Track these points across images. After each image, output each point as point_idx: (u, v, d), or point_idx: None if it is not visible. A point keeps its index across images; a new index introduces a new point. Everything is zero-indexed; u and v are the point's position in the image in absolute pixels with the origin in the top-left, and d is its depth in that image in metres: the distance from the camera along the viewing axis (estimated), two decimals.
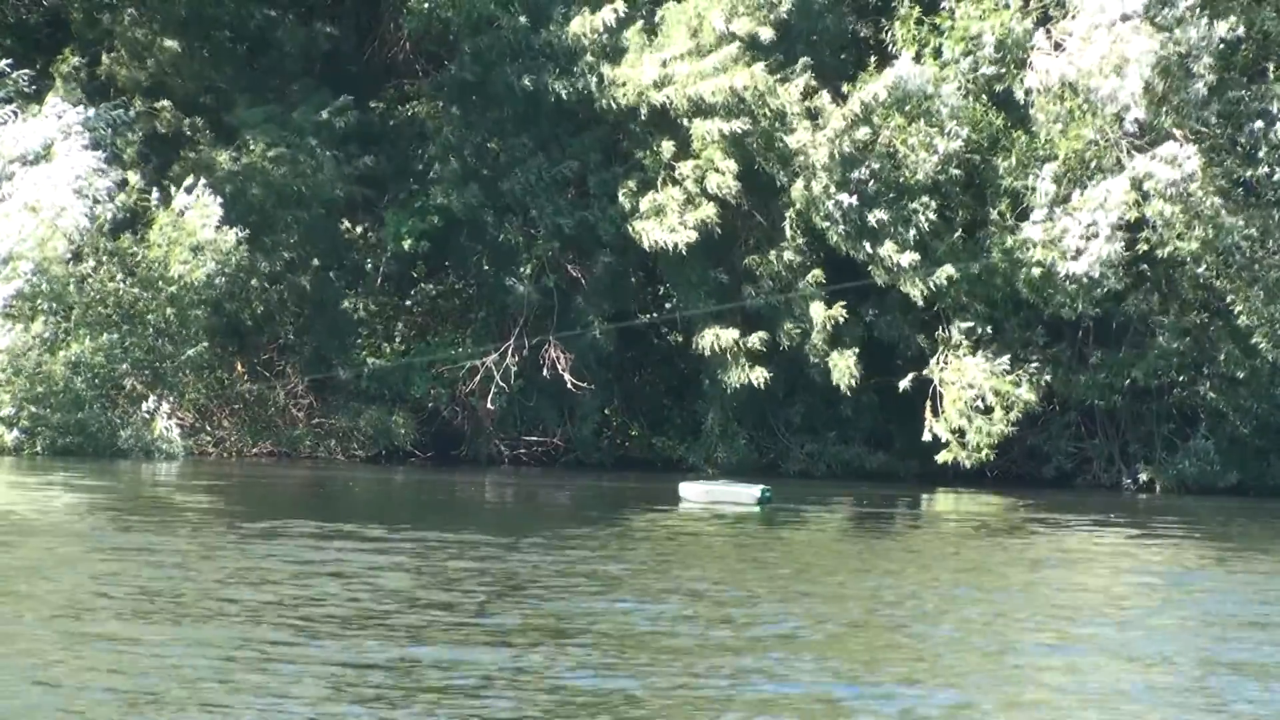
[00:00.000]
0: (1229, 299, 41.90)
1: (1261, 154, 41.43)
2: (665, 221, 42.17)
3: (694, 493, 35.96)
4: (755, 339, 42.39)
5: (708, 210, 42.02)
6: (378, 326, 46.12)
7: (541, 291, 44.12)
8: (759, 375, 42.34)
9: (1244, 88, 41.86)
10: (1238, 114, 41.77)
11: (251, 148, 43.30)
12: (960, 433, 41.77)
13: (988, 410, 41.67)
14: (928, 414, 42.16)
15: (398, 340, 46.06)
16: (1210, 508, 39.39)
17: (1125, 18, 40.05)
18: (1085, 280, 40.78)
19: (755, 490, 35.41)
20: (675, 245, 42.06)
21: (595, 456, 45.28)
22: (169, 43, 44.53)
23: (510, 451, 45.06)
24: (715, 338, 42.52)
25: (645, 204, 42.54)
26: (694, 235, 41.95)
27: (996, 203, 42.49)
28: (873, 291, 42.70)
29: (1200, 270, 41.73)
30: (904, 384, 42.36)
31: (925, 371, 42.47)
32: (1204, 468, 43.53)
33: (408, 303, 47.15)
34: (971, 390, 41.69)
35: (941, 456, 41.86)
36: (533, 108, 43.73)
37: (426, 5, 44.09)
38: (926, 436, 42.14)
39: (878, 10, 45.15)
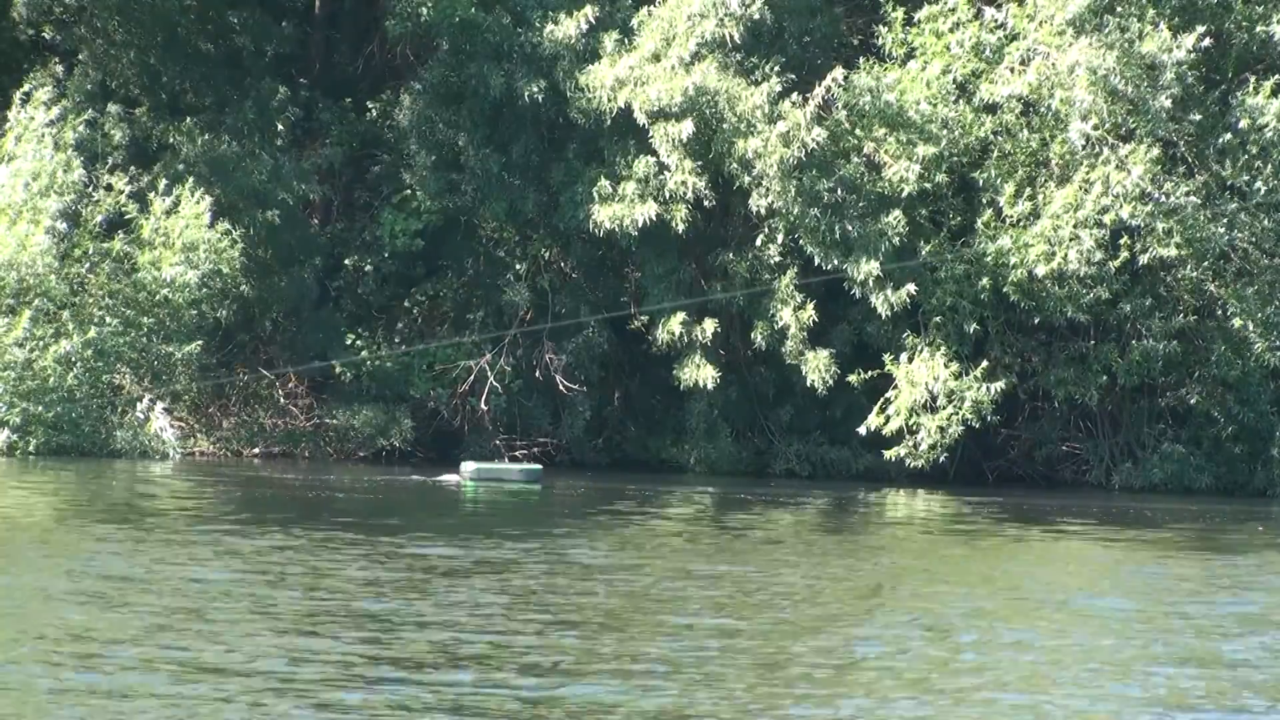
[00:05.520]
0: (1226, 302, 42.04)
1: (1251, 166, 41.65)
2: (623, 211, 42.26)
3: None
4: (707, 325, 42.45)
5: (670, 207, 42.08)
6: (377, 327, 46.46)
7: (535, 292, 44.40)
8: (708, 375, 42.46)
9: (1218, 99, 42.23)
10: (1214, 124, 42.03)
11: (214, 148, 43.97)
12: (913, 430, 41.72)
13: (935, 410, 41.43)
14: (874, 410, 42.03)
15: (397, 340, 46.37)
16: (1180, 510, 39.34)
17: (1073, 25, 40.67)
18: (1072, 284, 41.03)
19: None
20: (623, 228, 42.10)
21: (591, 458, 45.54)
22: (139, 49, 45.25)
23: (508, 452, 45.33)
24: (670, 333, 42.69)
25: (606, 197, 42.62)
26: (639, 220, 41.91)
27: (979, 209, 42.69)
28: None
29: (1193, 274, 41.95)
30: (853, 379, 42.16)
31: (886, 369, 42.46)
32: (1185, 469, 43.62)
33: (406, 303, 47.51)
34: (921, 389, 41.46)
35: (890, 453, 41.90)
36: (506, 109, 43.97)
37: (411, 7, 44.33)
38: (861, 430, 42.18)
39: (869, 11, 45.25)
